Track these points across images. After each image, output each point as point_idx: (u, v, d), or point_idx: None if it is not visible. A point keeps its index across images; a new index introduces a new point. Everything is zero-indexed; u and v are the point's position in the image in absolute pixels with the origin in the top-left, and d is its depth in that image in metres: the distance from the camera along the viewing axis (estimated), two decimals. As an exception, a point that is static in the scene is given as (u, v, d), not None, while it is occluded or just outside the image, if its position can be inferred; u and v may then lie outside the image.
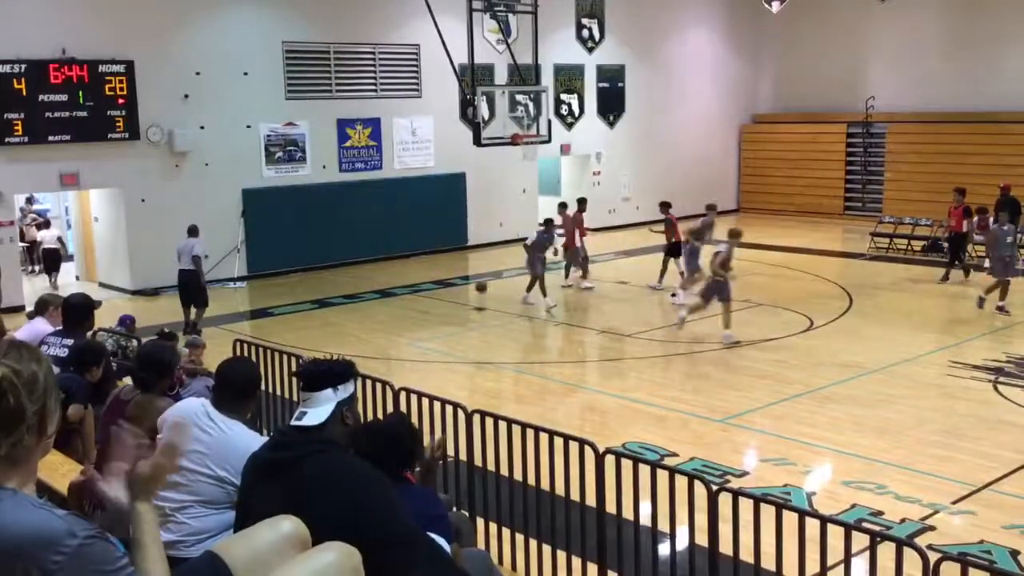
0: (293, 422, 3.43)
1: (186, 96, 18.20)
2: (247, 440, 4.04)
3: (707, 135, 27.67)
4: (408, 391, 7.38)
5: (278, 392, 8.67)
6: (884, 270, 19.23)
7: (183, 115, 18.20)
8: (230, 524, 3.77)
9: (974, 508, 7.86)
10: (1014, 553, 7.03)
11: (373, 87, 21.08)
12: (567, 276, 17.73)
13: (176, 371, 6.24)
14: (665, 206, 17.77)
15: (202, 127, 18.45)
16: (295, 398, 3.92)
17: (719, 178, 28.04)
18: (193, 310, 14.55)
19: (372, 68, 21.05)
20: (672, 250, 17.29)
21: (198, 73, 18.35)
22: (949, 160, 23.67)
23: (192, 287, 14.52)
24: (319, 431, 3.36)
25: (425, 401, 7.20)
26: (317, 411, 3.39)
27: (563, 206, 18.11)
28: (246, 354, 8.97)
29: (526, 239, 17.17)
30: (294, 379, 4.56)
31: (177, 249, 14.83)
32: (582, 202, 18.28)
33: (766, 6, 23.40)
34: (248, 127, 19.24)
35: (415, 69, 21.55)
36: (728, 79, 27.95)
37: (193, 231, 14.87)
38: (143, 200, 17.90)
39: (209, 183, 18.59)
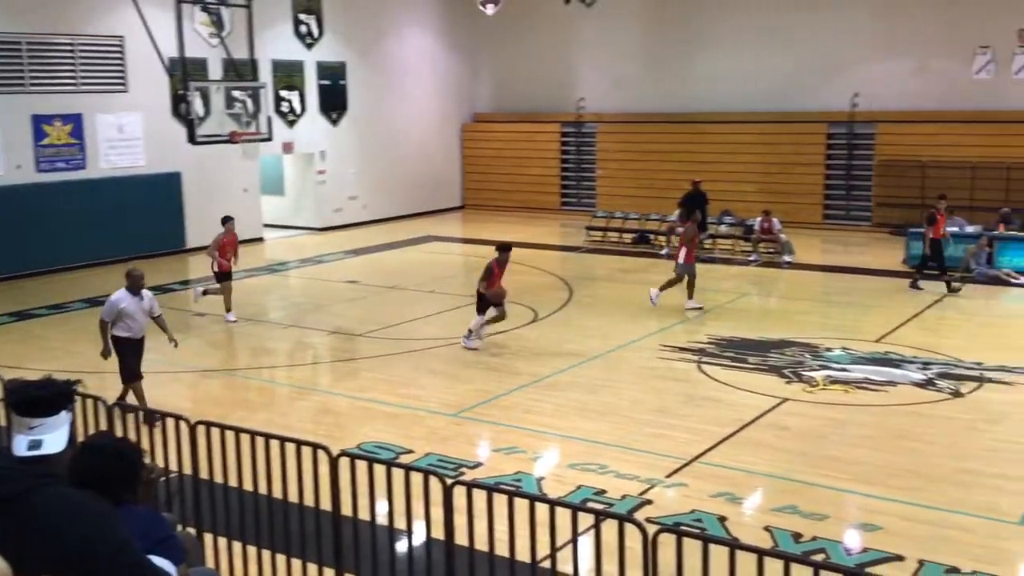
0: (24, 452, 3.08)
1: None
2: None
3: (430, 134, 28.04)
4: (123, 406, 6.92)
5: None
6: (599, 262, 20.35)
7: None
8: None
9: (686, 480, 8.48)
10: (722, 519, 7.65)
11: (73, 81, 19.56)
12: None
13: None
14: None
15: None
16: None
17: (443, 176, 28.51)
18: None
19: (71, 60, 19.52)
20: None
21: None
22: (653, 158, 25.43)
23: None
24: (49, 460, 3.06)
25: (143, 416, 6.78)
26: (55, 436, 3.08)
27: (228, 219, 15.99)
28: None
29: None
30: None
31: None
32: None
33: (481, 8, 24.04)
34: (-74, 123, 17.28)
35: (120, 62, 20.22)
36: (448, 79, 28.46)
37: None
38: None
39: None
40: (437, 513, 5.77)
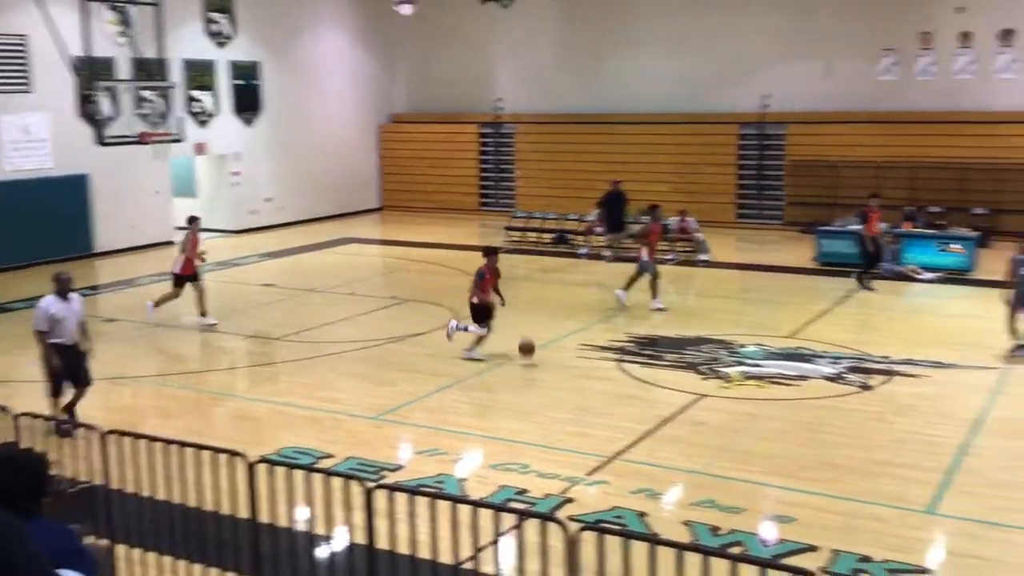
0: None
1: None
2: None
3: (347, 134, 27.78)
4: (31, 415, 6.70)
5: None
6: (519, 262, 20.40)
7: None
8: None
9: (607, 478, 8.57)
10: (642, 515, 7.75)
11: (-27, 80, 18.87)
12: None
13: None
14: None
15: None
16: None
17: (361, 177, 28.28)
18: None
19: (-29, 59, 18.83)
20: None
21: None
22: (571, 158, 25.63)
23: None
24: None
25: (51, 425, 6.57)
26: None
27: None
28: None
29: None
30: None
31: None
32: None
33: (396, 9, 23.91)
34: None
35: (23, 61, 19.55)
36: (364, 79, 28.23)
37: None
38: None
39: None
40: (358, 518, 5.72)
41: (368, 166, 28.67)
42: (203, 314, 14.49)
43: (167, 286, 15.09)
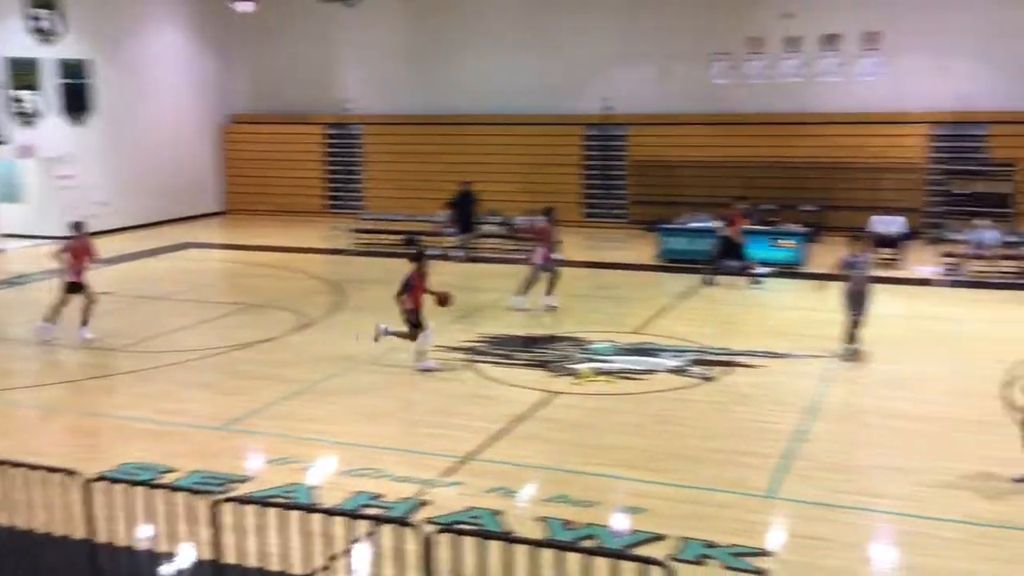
0: None
1: None
2: None
3: (186, 135, 26.83)
4: None
5: None
6: (369, 264, 20.21)
7: None
8: None
9: (462, 478, 8.57)
10: (498, 514, 7.79)
11: None
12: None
13: None
14: None
15: None
16: None
17: (201, 180, 27.37)
18: None
19: None
20: None
21: None
22: (419, 159, 25.56)
23: None
24: None
25: None
26: None
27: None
28: None
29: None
30: None
31: None
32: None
33: (233, 7, 23.25)
34: None
35: None
36: (203, 78, 27.34)
37: None
38: None
39: None
40: (205, 533, 5.52)
41: (208, 168, 27.78)
42: (84, 323, 13.79)
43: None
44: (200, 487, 6.19)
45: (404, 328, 12.15)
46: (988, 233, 17.82)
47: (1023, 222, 19.85)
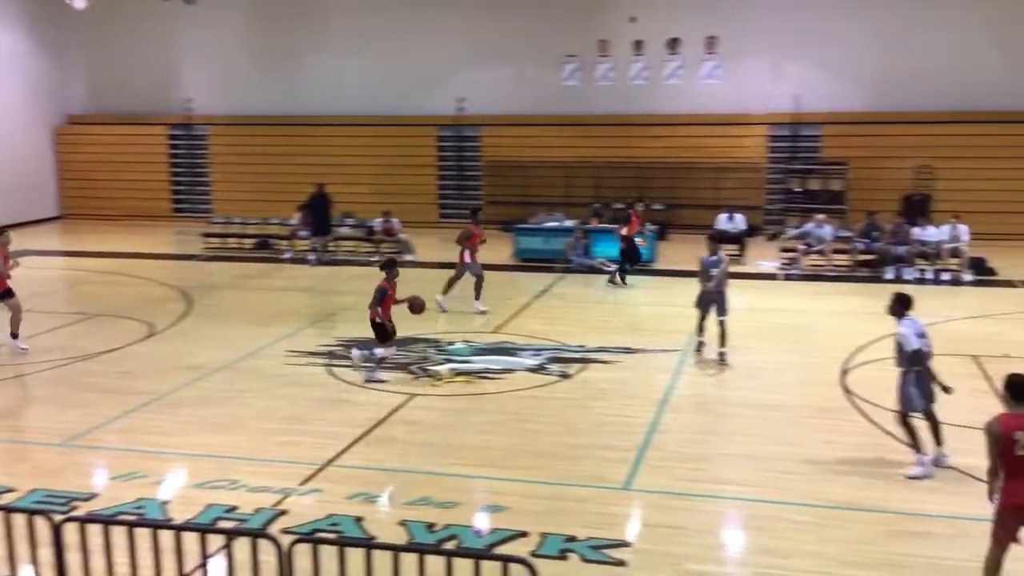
0: None
1: None
2: None
3: (16, 137, 25.37)
4: None
5: None
6: (219, 269, 19.64)
7: None
8: None
9: (321, 486, 8.43)
10: (359, 520, 7.69)
11: None
12: None
13: None
14: None
15: None
16: None
17: (34, 183, 25.96)
18: None
19: None
20: None
21: None
22: (270, 161, 24.99)
23: None
24: None
25: None
26: None
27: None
28: None
29: None
30: None
31: None
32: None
33: (68, 2, 22.16)
34: None
35: None
36: (35, 78, 25.94)
37: None
38: None
39: None
40: (46, 555, 5.24)
41: (42, 171, 26.37)
42: (15, 335, 12.92)
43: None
44: (41, 507, 5.85)
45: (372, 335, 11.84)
46: (822, 228, 18.76)
47: (854, 218, 21.00)
